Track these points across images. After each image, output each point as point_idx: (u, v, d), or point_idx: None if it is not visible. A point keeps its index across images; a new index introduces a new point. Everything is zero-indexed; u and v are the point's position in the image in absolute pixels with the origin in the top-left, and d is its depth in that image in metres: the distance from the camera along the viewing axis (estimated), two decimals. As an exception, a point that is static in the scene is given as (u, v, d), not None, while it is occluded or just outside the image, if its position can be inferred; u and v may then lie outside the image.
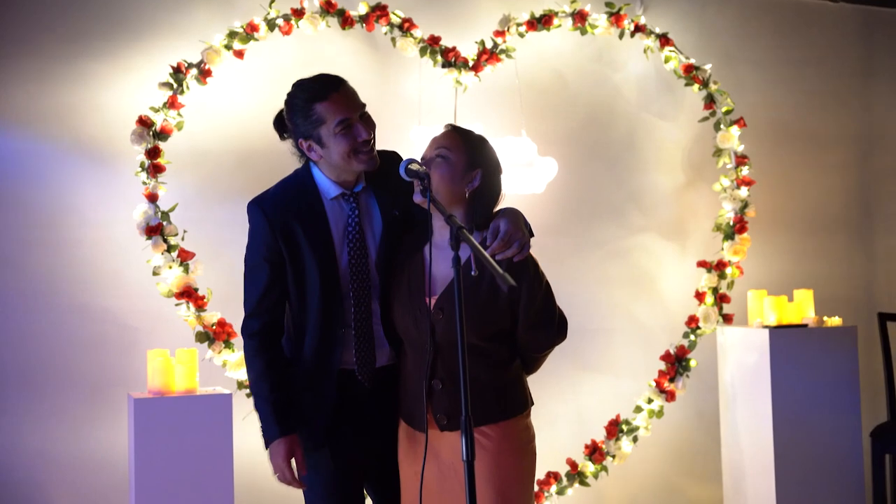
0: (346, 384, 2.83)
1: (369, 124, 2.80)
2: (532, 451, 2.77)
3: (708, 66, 4.90)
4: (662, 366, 4.78)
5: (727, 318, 4.86)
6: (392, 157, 2.93)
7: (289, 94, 2.83)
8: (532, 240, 2.74)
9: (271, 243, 2.78)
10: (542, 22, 4.69)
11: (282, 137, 2.89)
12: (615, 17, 4.78)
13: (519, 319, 2.70)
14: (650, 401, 4.76)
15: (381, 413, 2.87)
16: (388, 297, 2.82)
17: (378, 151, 2.87)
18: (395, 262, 2.82)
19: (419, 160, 2.72)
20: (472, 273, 2.68)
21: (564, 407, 4.85)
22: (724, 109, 4.88)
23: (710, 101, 4.90)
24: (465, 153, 2.73)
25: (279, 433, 2.80)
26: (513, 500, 2.68)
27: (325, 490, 2.86)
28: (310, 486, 2.87)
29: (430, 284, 2.69)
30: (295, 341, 2.87)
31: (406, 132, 4.54)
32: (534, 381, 2.91)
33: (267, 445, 2.84)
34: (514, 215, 2.72)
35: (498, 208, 2.79)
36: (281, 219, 2.78)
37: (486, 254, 2.36)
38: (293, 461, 2.84)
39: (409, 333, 2.75)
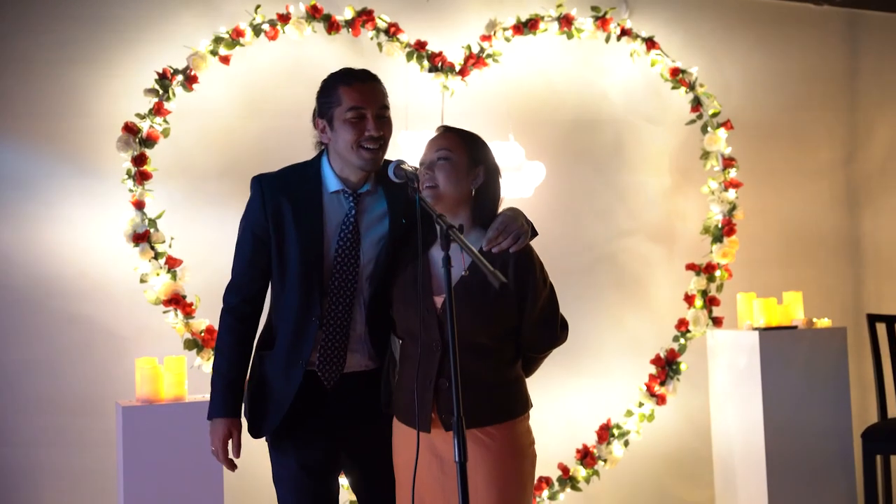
0: (311, 381, 2.81)
1: (383, 125, 2.81)
2: (533, 455, 2.75)
3: (694, 70, 4.91)
4: (653, 369, 4.78)
5: (717, 321, 4.86)
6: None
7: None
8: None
9: (260, 219, 2.81)
10: (528, 26, 4.70)
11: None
12: (601, 21, 4.79)
13: (524, 316, 2.68)
14: (641, 404, 4.76)
15: (350, 413, 2.83)
16: (389, 297, 2.80)
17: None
18: (402, 260, 2.78)
19: (409, 162, 2.70)
20: (464, 272, 2.67)
21: (555, 411, 4.83)
22: (710, 112, 4.89)
23: (696, 103, 4.91)
24: (467, 151, 2.75)
25: (221, 413, 2.83)
26: (513, 501, 2.64)
27: (292, 485, 2.84)
28: (278, 481, 2.87)
29: (420, 283, 2.67)
30: (273, 327, 2.87)
31: (393, 137, 4.49)
32: (524, 384, 2.90)
33: (209, 419, 2.87)
34: (514, 211, 2.73)
35: (501, 209, 2.78)
36: (275, 198, 2.80)
37: (478, 252, 2.36)
38: (230, 443, 2.85)
39: (414, 333, 2.71)
